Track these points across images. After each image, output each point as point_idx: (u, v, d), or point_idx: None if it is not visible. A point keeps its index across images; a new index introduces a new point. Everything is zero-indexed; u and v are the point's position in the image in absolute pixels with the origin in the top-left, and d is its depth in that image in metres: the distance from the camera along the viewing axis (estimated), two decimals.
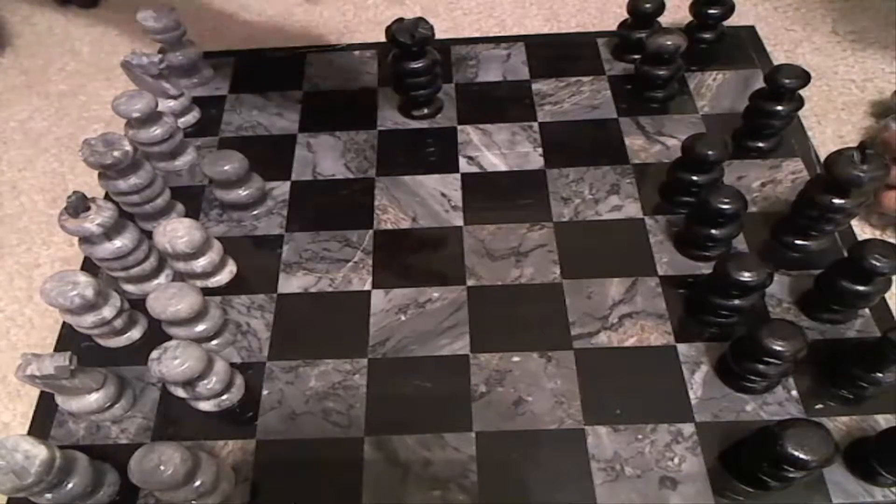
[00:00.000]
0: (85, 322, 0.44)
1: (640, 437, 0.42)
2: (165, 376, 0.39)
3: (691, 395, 0.43)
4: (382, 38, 0.55)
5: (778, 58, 0.64)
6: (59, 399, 0.42)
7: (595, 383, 0.44)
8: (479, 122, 0.59)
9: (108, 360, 0.46)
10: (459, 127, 0.59)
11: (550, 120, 0.59)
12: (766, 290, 0.45)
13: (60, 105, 0.66)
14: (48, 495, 0.36)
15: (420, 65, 0.56)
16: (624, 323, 0.46)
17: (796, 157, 0.55)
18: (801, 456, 0.35)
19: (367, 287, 0.49)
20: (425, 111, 0.60)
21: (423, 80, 0.57)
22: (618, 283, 0.48)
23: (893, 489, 0.39)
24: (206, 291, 0.46)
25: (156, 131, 0.52)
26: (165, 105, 0.58)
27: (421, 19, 0.54)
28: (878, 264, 0.41)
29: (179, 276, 0.50)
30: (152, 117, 0.51)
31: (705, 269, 0.48)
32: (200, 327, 0.44)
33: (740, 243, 0.50)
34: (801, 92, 0.52)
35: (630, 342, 0.45)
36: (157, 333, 0.45)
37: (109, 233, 0.44)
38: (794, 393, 0.43)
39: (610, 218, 0.52)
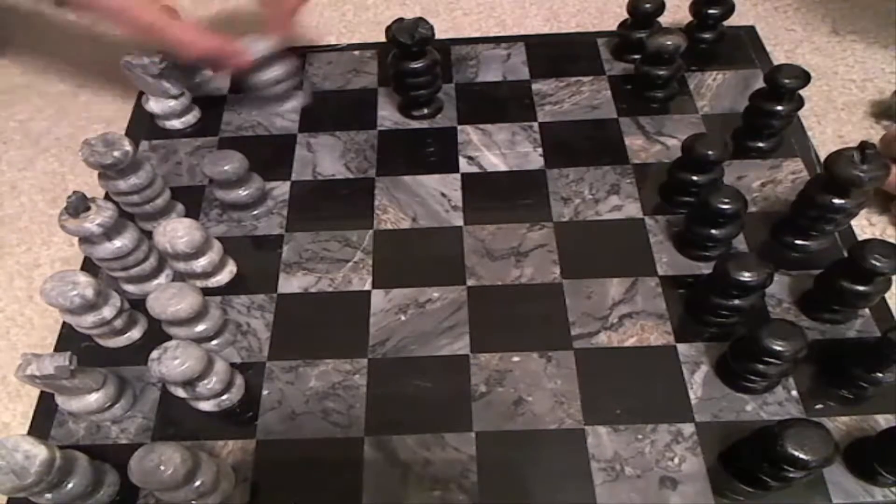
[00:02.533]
0: (85, 322, 0.44)
1: (640, 437, 0.42)
2: (165, 376, 0.39)
3: (691, 395, 0.43)
4: (382, 38, 0.55)
5: (778, 58, 0.64)
6: (59, 399, 0.42)
7: (595, 383, 0.44)
8: (479, 122, 0.59)
9: (108, 360, 0.46)
10: (459, 127, 0.59)
11: (550, 120, 0.59)
12: (766, 290, 0.45)
13: (60, 105, 0.66)
14: (48, 495, 0.36)
15: (420, 65, 0.55)
16: (624, 323, 0.46)
17: (796, 157, 0.55)
18: (801, 456, 0.35)
19: (367, 287, 0.49)
20: (425, 111, 0.60)
21: (423, 80, 0.57)
22: (618, 283, 0.48)
23: (893, 489, 0.39)
24: (206, 291, 0.46)
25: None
26: (166, 105, 0.58)
27: (421, 19, 0.54)
28: (878, 264, 0.41)
29: (179, 276, 0.50)
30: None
31: (705, 269, 0.48)
32: (200, 327, 0.44)
33: (740, 243, 0.50)
34: (801, 92, 0.52)
35: (630, 342, 0.45)
36: (157, 333, 0.45)
37: (109, 233, 0.44)
38: (794, 393, 0.43)
39: (610, 218, 0.52)
